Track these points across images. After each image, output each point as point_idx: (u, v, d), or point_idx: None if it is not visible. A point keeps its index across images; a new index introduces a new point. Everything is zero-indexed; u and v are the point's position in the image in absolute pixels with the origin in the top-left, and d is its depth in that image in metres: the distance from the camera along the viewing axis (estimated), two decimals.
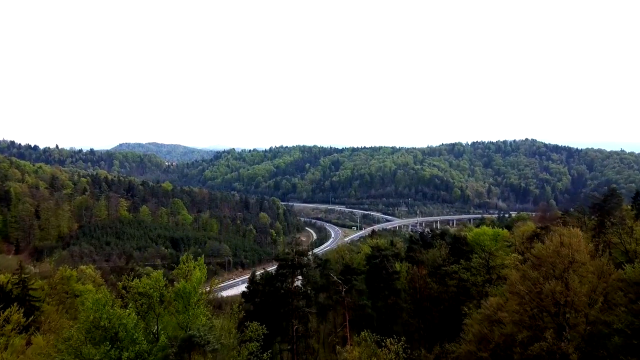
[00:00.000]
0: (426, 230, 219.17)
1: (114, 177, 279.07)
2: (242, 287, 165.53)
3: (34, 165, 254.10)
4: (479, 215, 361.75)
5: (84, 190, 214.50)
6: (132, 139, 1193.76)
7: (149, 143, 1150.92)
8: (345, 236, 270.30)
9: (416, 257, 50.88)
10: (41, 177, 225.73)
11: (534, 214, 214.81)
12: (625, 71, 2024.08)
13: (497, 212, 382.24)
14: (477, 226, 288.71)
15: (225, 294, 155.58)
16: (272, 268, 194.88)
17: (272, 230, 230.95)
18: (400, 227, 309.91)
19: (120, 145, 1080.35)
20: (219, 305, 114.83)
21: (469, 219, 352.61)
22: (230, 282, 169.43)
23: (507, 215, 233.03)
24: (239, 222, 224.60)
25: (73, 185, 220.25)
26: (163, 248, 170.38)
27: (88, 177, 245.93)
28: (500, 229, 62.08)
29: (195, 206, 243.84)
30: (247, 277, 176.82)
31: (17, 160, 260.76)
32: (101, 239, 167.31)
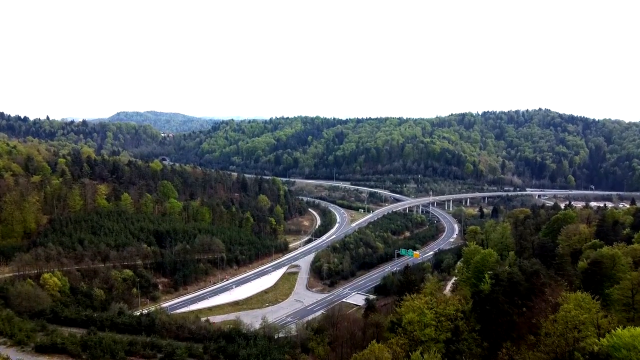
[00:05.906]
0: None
1: (99, 156, 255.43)
2: (237, 291, 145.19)
3: (7, 145, 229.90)
4: (494, 193, 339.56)
5: (61, 173, 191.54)
6: (131, 108, 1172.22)
7: (147, 112, 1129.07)
8: (352, 220, 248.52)
9: None
10: (15, 158, 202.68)
11: (572, 202, 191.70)
12: None
13: (512, 188, 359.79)
14: (494, 209, 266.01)
15: (216, 301, 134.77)
16: (270, 265, 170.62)
17: (272, 218, 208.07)
18: (410, 208, 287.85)
19: (118, 114, 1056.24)
20: (202, 338, 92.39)
21: (483, 197, 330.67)
22: (224, 283, 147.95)
23: (539, 205, 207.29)
24: (234, 209, 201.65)
25: (49, 168, 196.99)
26: (145, 245, 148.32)
27: (68, 157, 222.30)
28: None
29: (187, 188, 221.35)
30: (243, 276, 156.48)
31: None
32: (74, 236, 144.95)
